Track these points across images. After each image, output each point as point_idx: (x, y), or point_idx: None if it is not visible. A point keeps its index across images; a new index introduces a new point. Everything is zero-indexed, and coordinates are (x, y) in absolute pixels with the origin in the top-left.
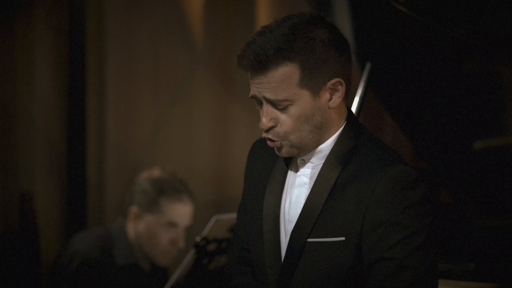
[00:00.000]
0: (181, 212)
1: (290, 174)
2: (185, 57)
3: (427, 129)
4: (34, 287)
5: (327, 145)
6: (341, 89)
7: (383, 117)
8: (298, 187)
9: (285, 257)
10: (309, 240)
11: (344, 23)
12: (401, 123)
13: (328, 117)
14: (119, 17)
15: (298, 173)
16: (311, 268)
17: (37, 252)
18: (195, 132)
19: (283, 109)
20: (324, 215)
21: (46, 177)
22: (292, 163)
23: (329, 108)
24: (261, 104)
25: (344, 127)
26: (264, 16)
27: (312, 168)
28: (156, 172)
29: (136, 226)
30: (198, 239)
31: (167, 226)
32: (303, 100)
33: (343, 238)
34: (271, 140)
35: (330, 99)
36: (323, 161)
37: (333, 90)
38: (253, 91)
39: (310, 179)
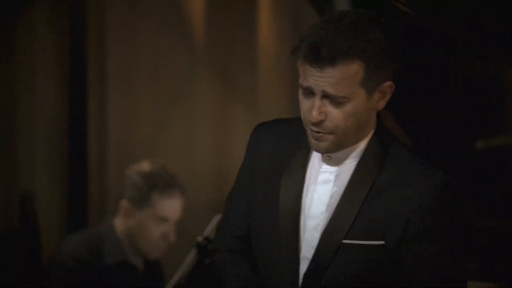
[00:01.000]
0: (173, 207)
1: (312, 169)
2: (186, 57)
3: (427, 129)
4: (35, 287)
5: (359, 146)
6: (389, 92)
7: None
8: (322, 184)
9: (314, 255)
10: (344, 241)
11: None
12: (401, 123)
13: (370, 118)
14: (120, 17)
15: (322, 169)
16: (343, 269)
17: (38, 252)
18: (195, 132)
19: (338, 105)
20: (361, 217)
21: (47, 177)
22: (313, 158)
23: (375, 109)
24: (311, 94)
25: (376, 130)
26: (264, 17)
27: (338, 166)
28: (146, 165)
29: (126, 221)
30: (199, 239)
31: (159, 221)
32: (359, 99)
33: (382, 242)
34: (317, 132)
35: (378, 101)
36: (352, 161)
37: (383, 93)
38: (310, 82)
39: (336, 177)
